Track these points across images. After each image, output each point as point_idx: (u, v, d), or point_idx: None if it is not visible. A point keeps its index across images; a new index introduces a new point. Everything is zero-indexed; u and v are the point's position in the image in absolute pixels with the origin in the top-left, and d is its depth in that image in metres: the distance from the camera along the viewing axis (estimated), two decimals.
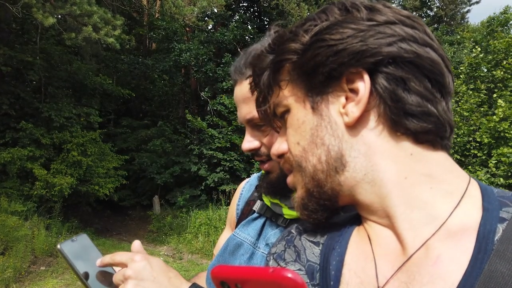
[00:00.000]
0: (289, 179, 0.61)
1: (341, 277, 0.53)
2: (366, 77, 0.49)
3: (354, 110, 0.51)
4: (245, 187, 1.10)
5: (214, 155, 11.33)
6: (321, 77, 0.52)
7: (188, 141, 12.85)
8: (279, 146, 0.61)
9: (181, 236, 9.09)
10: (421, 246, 0.48)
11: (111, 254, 0.79)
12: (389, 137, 0.51)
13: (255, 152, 0.87)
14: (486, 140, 8.11)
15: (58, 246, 0.76)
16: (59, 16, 7.91)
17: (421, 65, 0.49)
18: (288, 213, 0.88)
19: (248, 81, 0.81)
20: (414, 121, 0.50)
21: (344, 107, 0.52)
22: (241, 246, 0.95)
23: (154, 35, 13.35)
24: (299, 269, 0.58)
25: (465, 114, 8.83)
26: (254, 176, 1.11)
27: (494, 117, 8.07)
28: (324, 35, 0.51)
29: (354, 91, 0.51)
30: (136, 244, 0.83)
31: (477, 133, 8.46)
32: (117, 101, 13.53)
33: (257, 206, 0.98)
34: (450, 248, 0.47)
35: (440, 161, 0.52)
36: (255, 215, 0.98)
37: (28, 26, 9.80)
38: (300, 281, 0.39)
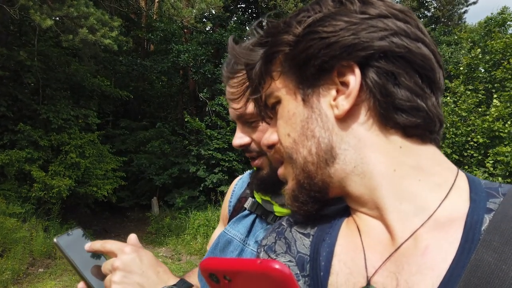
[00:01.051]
0: (280, 171, 0.61)
1: (331, 267, 0.53)
2: (357, 70, 0.50)
3: (344, 103, 0.51)
4: (238, 184, 1.10)
5: (213, 155, 11.31)
6: (312, 69, 0.52)
7: (187, 142, 12.83)
8: (270, 136, 0.61)
9: (179, 237, 9.06)
10: (409, 237, 0.48)
11: (102, 241, 0.79)
12: (378, 130, 0.51)
13: (245, 148, 0.87)
14: (481, 140, 8.12)
15: (55, 240, 0.79)
16: (57, 18, 7.89)
17: (412, 60, 0.50)
18: (278, 210, 0.88)
19: (238, 78, 0.83)
20: (403, 115, 0.50)
21: (334, 99, 0.52)
22: (231, 243, 0.95)
23: (152, 37, 13.34)
24: (290, 261, 0.58)
25: (463, 114, 8.84)
26: (247, 173, 1.11)
27: (488, 117, 8.08)
28: (317, 27, 0.51)
29: (345, 84, 0.51)
30: (132, 237, 0.83)
31: (473, 134, 8.47)
32: (115, 102, 13.49)
33: (248, 203, 0.98)
34: (438, 238, 0.47)
35: (428, 154, 0.52)
36: (246, 212, 0.98)
37: (26, 28, 9.78)
38: (287, 272, 0.39)
